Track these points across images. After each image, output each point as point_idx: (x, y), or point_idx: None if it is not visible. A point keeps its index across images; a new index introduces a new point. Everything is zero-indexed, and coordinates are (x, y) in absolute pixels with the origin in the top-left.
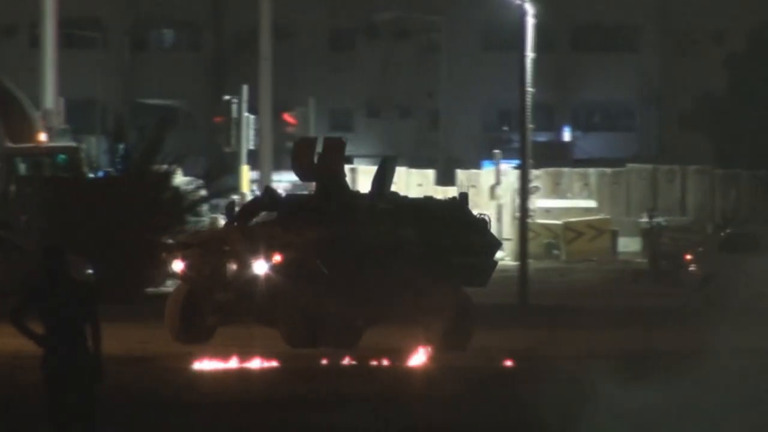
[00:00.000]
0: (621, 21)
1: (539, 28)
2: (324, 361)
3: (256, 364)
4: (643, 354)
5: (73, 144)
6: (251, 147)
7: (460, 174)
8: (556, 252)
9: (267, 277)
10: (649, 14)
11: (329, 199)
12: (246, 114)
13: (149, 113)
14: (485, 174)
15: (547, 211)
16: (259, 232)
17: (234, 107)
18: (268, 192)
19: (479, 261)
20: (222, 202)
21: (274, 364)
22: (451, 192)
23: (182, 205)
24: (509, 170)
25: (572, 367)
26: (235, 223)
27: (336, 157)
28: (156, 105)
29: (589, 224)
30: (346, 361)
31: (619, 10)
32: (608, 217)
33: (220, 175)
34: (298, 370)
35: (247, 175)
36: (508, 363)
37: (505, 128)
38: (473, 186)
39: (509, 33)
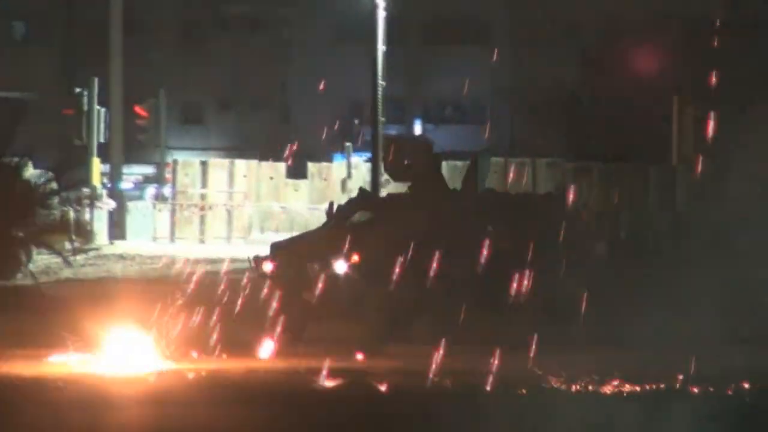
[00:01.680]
0: (472, 14)
1: (391, 21)
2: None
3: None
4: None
5: None
6: (102, 140)
7: (312, 167)
8: None
9: (347, 277)
10: (501, 7)
11: (421, 198)
12: (97, 107)
13: None
14: (337, 167)
15: None
16: (345, 233)
17: (85, 99)
18: (362, 193)
19: (576, 252)
20: (72, 194)
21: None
22: (302, 185)
23: (33, 198)
24: (360, 163)
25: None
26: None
27: (425, 156)
28: (6, 97)
29: None
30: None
31: (470, 3)
32: None
33: (70, 167)
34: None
35: (97, 167)
36: (359, 357)
37: (357, 121)
38: (325, 179)
39: (361, 26)
